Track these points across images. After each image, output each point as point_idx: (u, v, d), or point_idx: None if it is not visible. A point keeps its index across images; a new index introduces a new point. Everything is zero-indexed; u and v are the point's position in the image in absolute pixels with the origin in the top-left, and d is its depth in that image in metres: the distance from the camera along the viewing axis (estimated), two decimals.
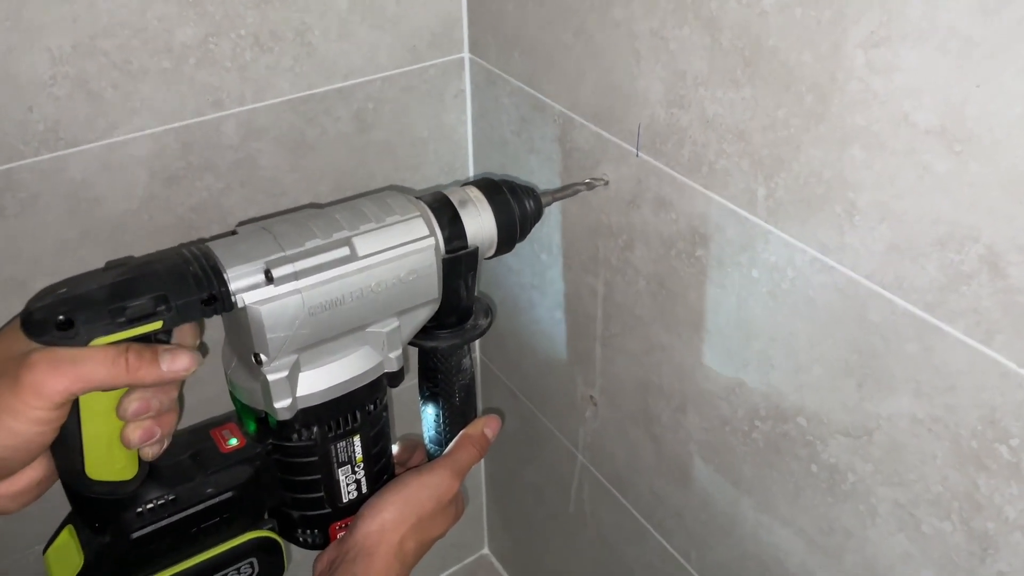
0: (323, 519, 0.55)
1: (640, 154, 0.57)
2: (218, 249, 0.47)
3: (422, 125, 0.74)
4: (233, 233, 0.50)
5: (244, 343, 0.48)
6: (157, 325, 0.44)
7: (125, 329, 0.43)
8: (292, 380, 0.49)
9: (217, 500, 0.51)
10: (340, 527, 0.56)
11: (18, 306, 0.60)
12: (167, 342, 0.47)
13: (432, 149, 0.76)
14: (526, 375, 0.85)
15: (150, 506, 0.49)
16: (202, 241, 0.48)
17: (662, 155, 0.56)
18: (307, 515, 0.55)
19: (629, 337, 0.67)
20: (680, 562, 0.71)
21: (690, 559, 0.70)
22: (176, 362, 0.45)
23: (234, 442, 0.53)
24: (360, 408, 0.53)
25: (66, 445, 0.45)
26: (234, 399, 0.53)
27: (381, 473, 0.57)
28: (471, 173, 0.79)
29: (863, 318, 0.47)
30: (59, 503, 0.66)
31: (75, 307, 0.42)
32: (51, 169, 0.58)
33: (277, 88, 0.64)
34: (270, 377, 0.48)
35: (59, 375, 0.41)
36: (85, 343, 0.42)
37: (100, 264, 0.63)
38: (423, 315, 0.53)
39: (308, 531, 0.56)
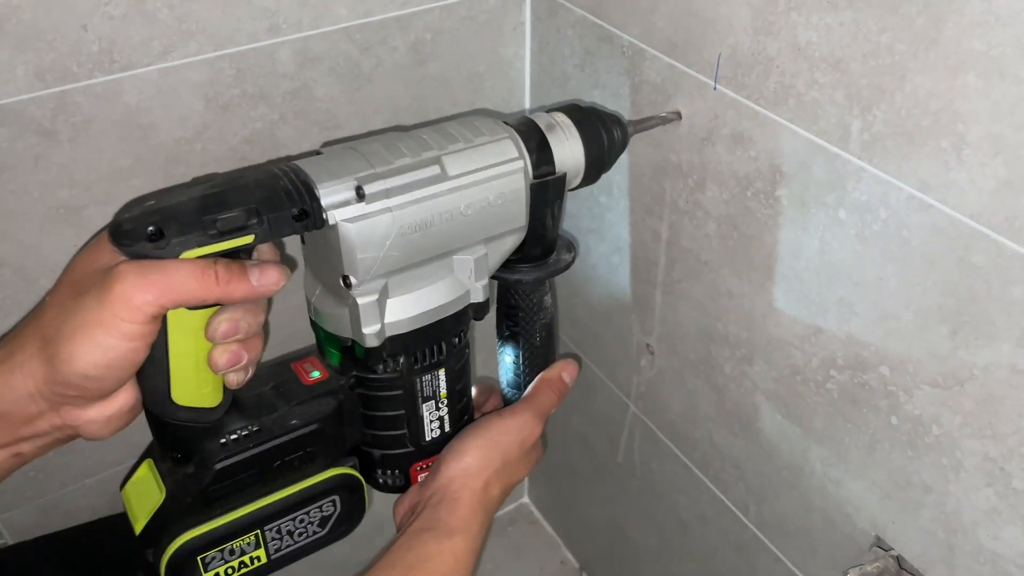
0: (405, 458, 0.54)
1: (718, 87, 0.54)
2: (308, 166, 0.45)
3: (479, 59, 0.71)
4: (318, 153, 0.48)
5: (332, 265, 0.46)
6: (249, 239, 0.42)
7: (216, 242, 0.41)
8: (381, 305, 0.47)
9: (301, 432, 0.49)
10: (422, 468, 0.54)
11: (71, 234, 0.59)
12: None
13: (489, 85, 0.73)
14: (577, 322, 0.83)
15: (234, 437, 0.48)
16: (289, 159, 0.46)
17: (743, 87, 0.53)
18: (389, 454, 0.53)
19: (694, 283, 0.64)
20: (736, 515, 0.70)
21: (748, 512, 0.69)
22: (266, 276, 0.43)
23: (316, 375, 0.51)
24: (446, 339, 0.51)
25: (153, 366, 0.43)
26: (317, 329, 0.51)
27: (463, 412, 0.56)
28: (526, 110, 0.76)
29: (964, 260, 0.44)
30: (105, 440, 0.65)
31: (166, 218, 0.41)
32: (105, 93, 0.56)
33: (334, 14, 0.62)
34: (360, 300, 0.46)
35: (148, 286, 0.39)
36: (176, 255, 0.41)
37: None
38: (510, 243, 0.51)
39: (389, 472, 0.54)
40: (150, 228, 0.40)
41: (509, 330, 0.58)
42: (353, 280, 0.45)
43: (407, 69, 0.68)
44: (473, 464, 0.52)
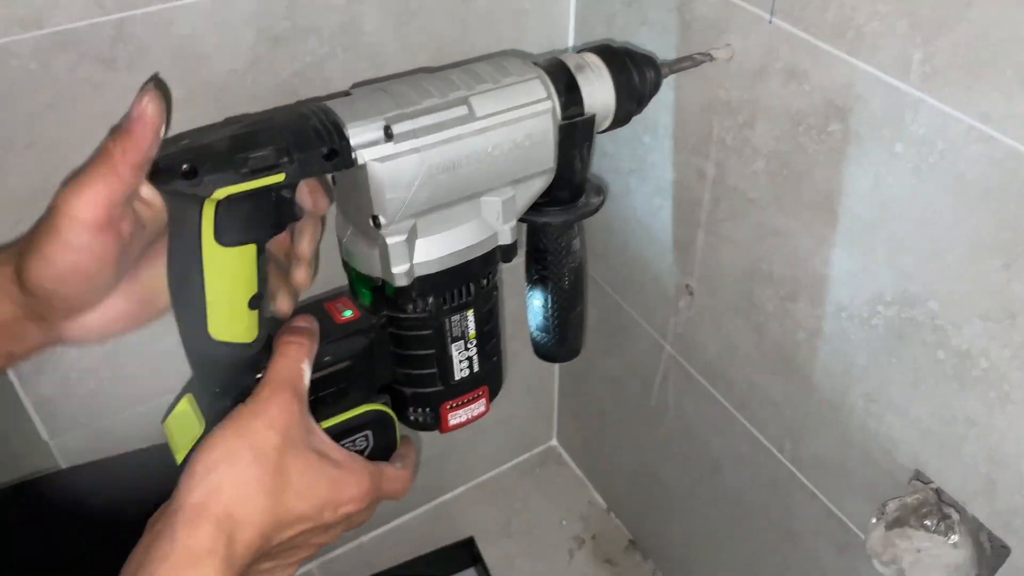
0: (435, 397, 0.55)
1: (774, 20, 0.54)
2: (336, 106, 0.45)
3: None
4: (347, 94, 0.48)
5: (362, 206, 0.47)
6: (280, 177, 0.43)
7: (248, 180, 0.42)
8: (410, 245, 0.48)
9: (333, 369, 0.50)
10: (451, 406, 0.56)
11: None
12: (293, 201, 0.45)
13: (533, 22, 0.73)
14: (614, 265, 0.84)
15: None
16: (319, 99, 0.47)
17: (800, 20, 0.52)
18: (419, 392, 0.55)
19: (739, 223, 0.64)
20: (772, 452, 0.71)
21: (783, 449, 0.70)
22: (138, 105, 0.42)
23: (349, 314, 0.52)
24: (475, 281, 0.52)
25: (189, 303, 0.45)
26: (349, 269, 0.52)
27: (491, 354, 0.56)
28: (570, 48, 0.76)
29: (1023, 192, 0.44)
30: (162, 365, 0.67)
31: (199, 156, 0.41)
32: (161, 21, 0.56)
33: None
34: (389, 241, 0.47)
35: (76, 195, 0.41)
36: (209, 193, 0.41)
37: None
38: (537, 186, 0.52)
39: (420, 409, 0.56)
40: (184, 166, 0.41)
41: (538, 274, 0.59)
42: (382, 220, 0.46)
43: (453, 4, 0.68)
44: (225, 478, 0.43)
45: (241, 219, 0.43)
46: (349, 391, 0.52)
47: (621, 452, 1.00)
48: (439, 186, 0.47)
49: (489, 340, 0.55)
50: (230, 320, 0.46)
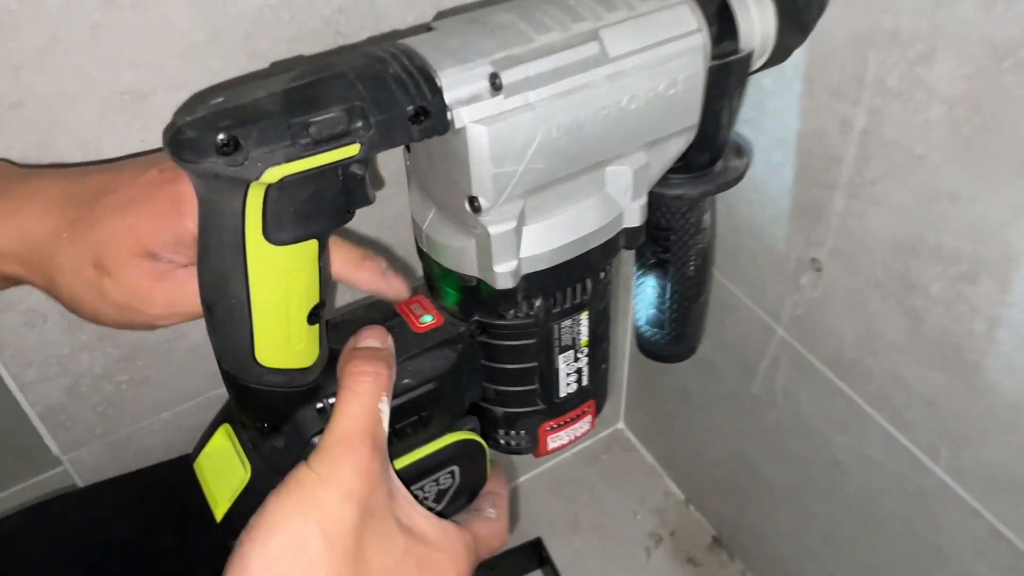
0: (534, 417, 0.44)
1: None
2: (422, 46, 0.33)
3: None
4: (429, 29, 0.35)
5: (454, 182, 0.35)
6: (353, 150, 0.31)
7: (311, 154, 0.30)
8: (518, 235, 0.36)
9: (416, 394, 0.39)
10: (551, 427, 0.45)
11: (138, 125, 0.48)
12: (365, 179, 0.32)
13: None
14: (715, 233, 0.71)
15: (333, 402, 0.36)
16: (396, 36, 0.34)
17: None
18: (514, 412, 0.43)
19: (897, 184, 0.52)
20: (920, 458, 0.59)
21: (938, 457, 0.58)
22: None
23: (429, 319, 0.40)
24: (592, 275, 0.40)
25: (229, 321, 0.33)
26: (430, 262, 0.40)
27: (602, 361, 0.45)
28: None
29: None
30: (187, 365, 0.56)
31: (242, 122, 0.29)
32: None
33: None
34: (492, 230, 0.35)
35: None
36: (258, 175, 0.29)
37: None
38: (675, 149, 0.40)
39: (514, 432, 0.44)
40: (221, 136, 0.29)
41: (655, 256, 0.48)
42: (484, 203, 0.34)
43: None
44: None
45: (299, 207, 0.31)
46: (432, 418, 0.40)
47: (706, 440, 0.88)
48: (559, 154, 0.35)
49: (600, 345, 0.44)
50: (284, 341, 0.34)
